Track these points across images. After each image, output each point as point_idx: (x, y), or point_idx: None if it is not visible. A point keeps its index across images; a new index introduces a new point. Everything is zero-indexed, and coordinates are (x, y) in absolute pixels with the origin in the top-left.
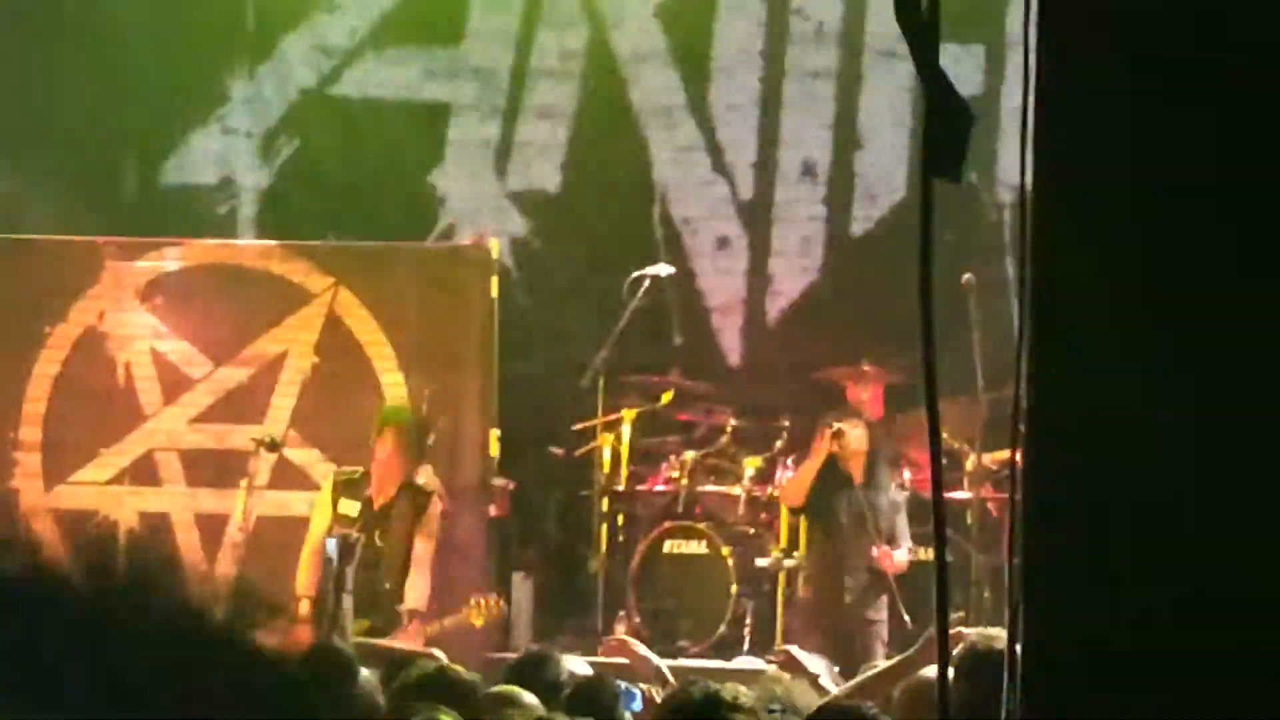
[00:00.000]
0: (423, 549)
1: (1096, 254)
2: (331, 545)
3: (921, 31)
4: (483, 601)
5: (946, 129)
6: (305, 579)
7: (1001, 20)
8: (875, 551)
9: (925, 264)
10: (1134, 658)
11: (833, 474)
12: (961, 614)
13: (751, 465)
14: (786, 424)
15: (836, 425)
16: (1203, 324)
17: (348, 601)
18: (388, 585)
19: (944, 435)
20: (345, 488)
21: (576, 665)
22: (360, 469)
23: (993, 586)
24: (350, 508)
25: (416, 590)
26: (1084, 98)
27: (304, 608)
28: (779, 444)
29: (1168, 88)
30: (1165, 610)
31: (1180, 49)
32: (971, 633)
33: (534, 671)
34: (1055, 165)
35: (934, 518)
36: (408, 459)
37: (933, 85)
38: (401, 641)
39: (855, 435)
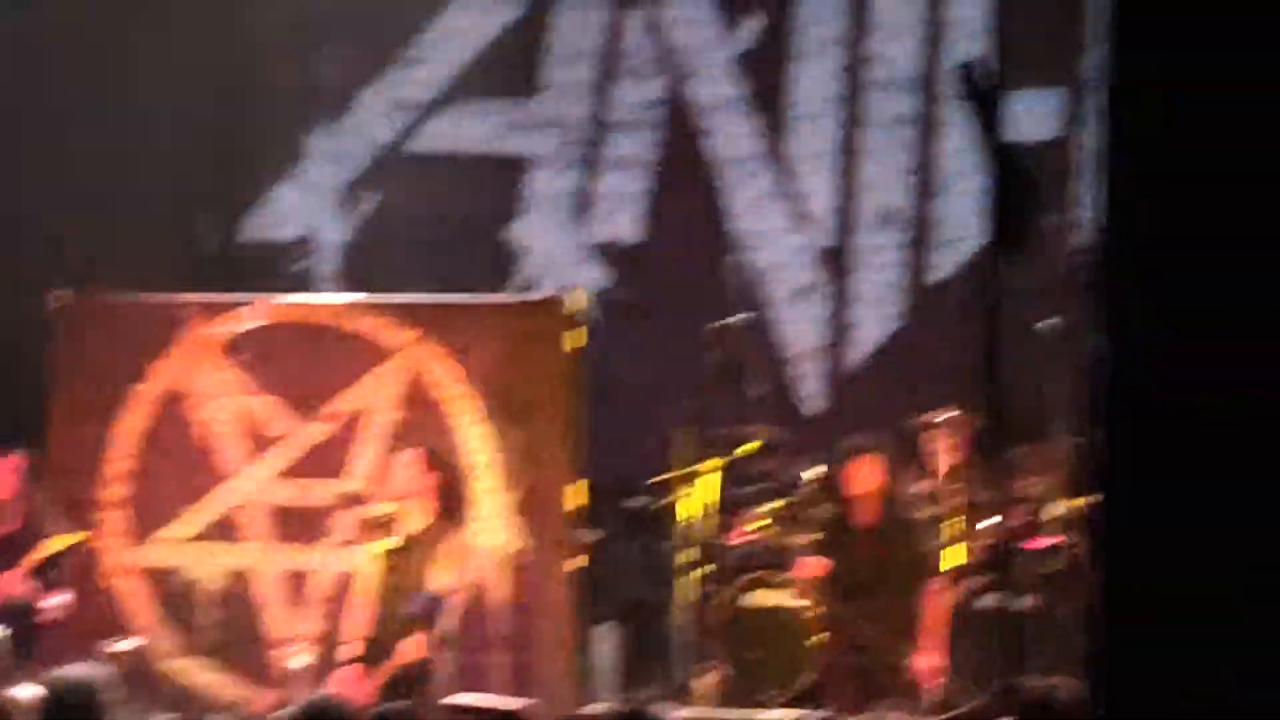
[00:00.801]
0: (445, 579)
1: (1167, 298)
2: (420, 602)
3: (985, 105)
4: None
5: (1012, 205)
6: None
7: (1078, 65)
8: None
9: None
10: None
11: (843, 517)
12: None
13: None
14: None
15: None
16: (1275, 367)
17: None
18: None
19: (1026, 482)
20: (380, 528)
21: (672, 716)
22: (392, 507)
23: (1074, 633)
24: (391, 543)
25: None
26: (1155, 140)
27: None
28: None
29: (1238, 128)
30: (1239, 655)
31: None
32: (1038, 682)
33: None
34: (1124, 209)
35: (1003, 566)
36: (447, 488)
37: (998, 160)
38: (497, 699)
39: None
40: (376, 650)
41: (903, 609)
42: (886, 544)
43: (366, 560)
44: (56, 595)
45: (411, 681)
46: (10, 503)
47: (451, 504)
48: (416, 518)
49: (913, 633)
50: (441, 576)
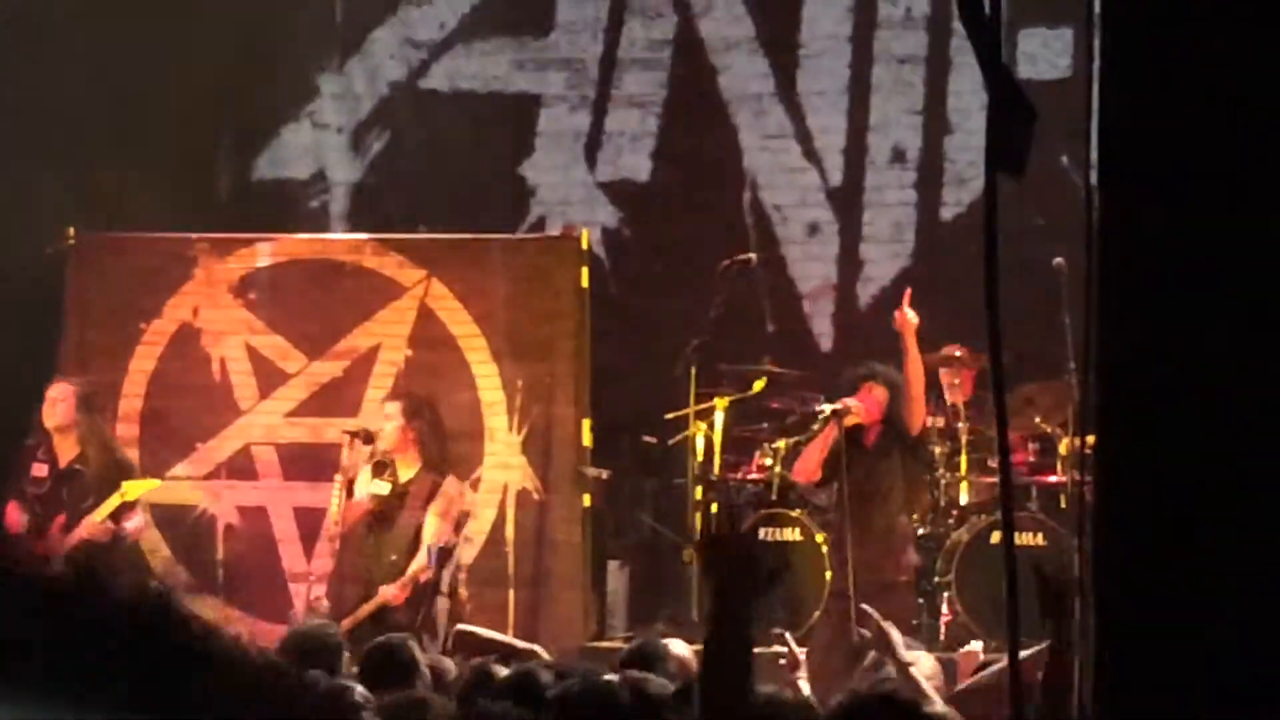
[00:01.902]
0: (435, 526)
1: (1167, 237)
2: (431, 551)
3: (985, 29)
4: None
5: (1009, 125)
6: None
7: (1088, 2)
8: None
9: (991, 264)
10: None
11: (849, 447)
12: None
13: None
14: None
15: (831, 408)
16: (1277, 304)
17: (442, 603)
18: (393, 558)
19: (1038, 419)
20: (376, 469)
21: (681, 650)
22: (390, 453)
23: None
24: (381, 488)
25: (418, 564)
26: (1154, 79)
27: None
28: None
29: (1239, 67)
30: (1240, 588)
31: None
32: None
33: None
34: (1124, 148)
35: (1001, 506)
36: (425, 443)
37: (995, 82)
38: (498, 633)
39: (860, 407)
40: (358, 592)
41: (891, 534)
42: (883, 469)
43: (356, 502)
44: (131, 519)
45: (396, 623)
46: (65, 431)
47: (432, 454)
48: (402, 467)
49: (904, 558)
50: (429, 526)
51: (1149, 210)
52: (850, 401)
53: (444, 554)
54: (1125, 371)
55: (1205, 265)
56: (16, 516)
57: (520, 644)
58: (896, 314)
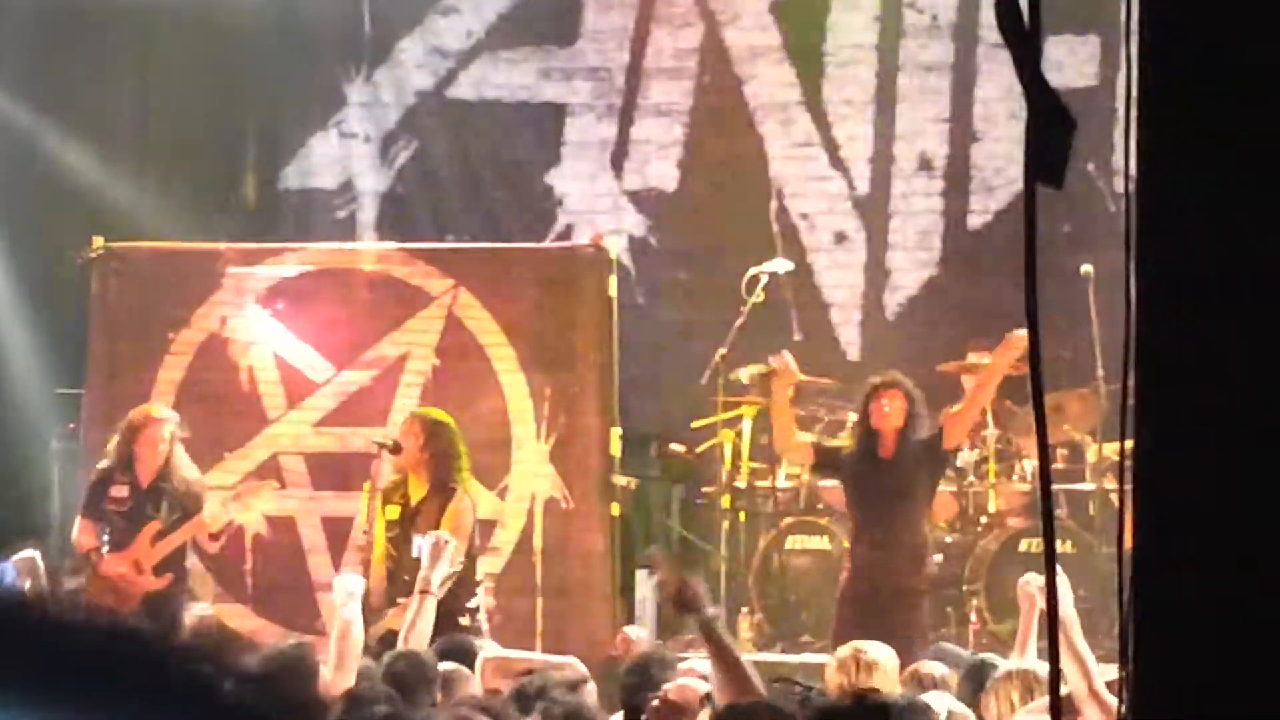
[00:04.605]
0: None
1: (1206, 243)
2: (422, 545)
3: (1024, 38)
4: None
5: (1049, 135)
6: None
7: (1115, 10)
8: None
9: (1030, 274)
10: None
11: (864, 448)
12: (1086, 606)
13: None
14: None
15: (772, 362)
16: None
17: (430, 604)
18: (406, 578)
19: (1066, 427)
20: (385, 495)
21: (696, 664)
22: (397, 477)
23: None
24: (392, 512)
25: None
26: (1190, 86)
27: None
28: None
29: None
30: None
31: None
32: None
33: (651, 672)
34: (1162, 155)
35: (1041, 509)
36: (439, 460)
37: (1035, 91)
38: (531, 652)
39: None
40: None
41: (909, 544)
42: (905, 476)
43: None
44: (219, 537)
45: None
46: (150, 454)
47: (442, 477)
48: (413, 487)
49: (923, 567)
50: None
51: (1188, 216)
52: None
53: (435, 550)
54: (1163, 377)
55: (1244, 271)
56: (90, 535)
57: (554, 659)
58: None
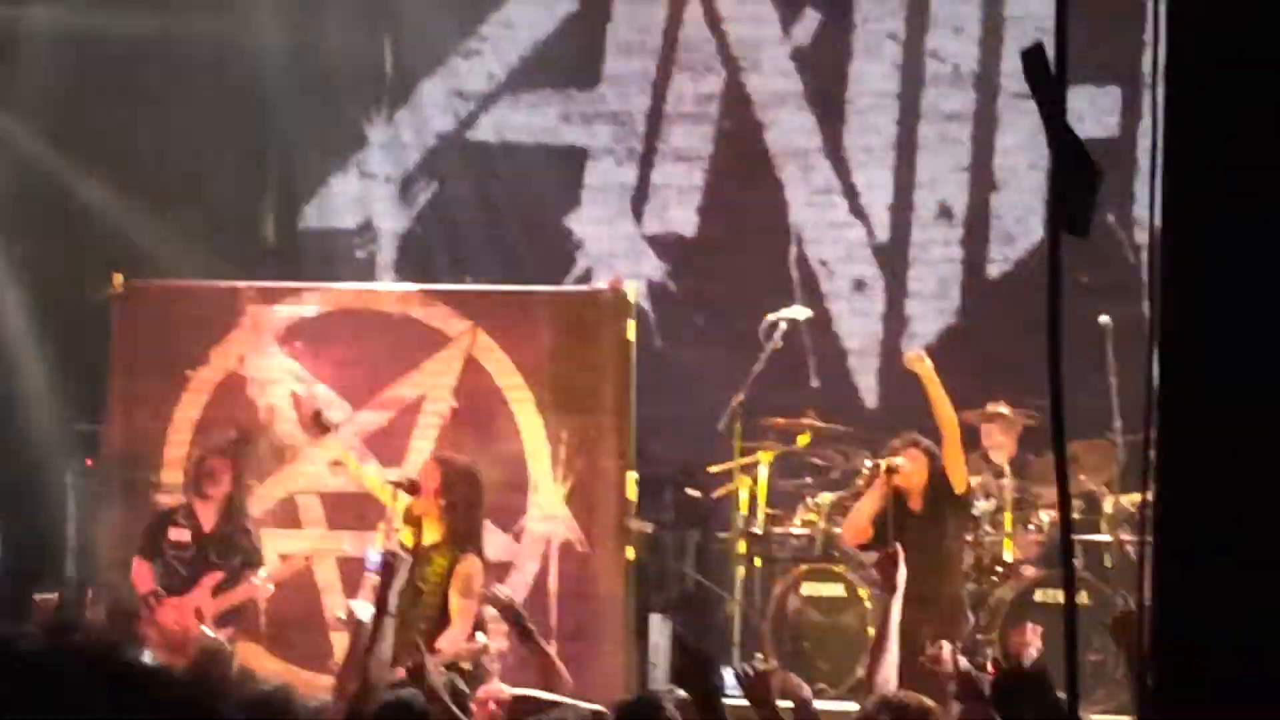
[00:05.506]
0: (460, 604)
1: (1228, 296)
2: (373, 558)
3: (1049, 88)
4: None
5: (1075, 186)
6: None
7: (1136, 61)
8: None
9: (1054, 322)
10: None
11: (897, 510)
12: (1100, 657)
13: None
14: None
15: (888, 461)
16: None
17: (388, 624)
18: (423, 626)
19: (1082, 478)
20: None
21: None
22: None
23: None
24: (408, 536)
25: (449, 641)
26: (1214, 138)
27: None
28: None
29: None
30: None
31: None
32: None
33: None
34: (1186, 207)
35: (1062, 559)
36: (454, 509)
37: (1061, 142)
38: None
39: (909, 467)
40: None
41: (947, 598)
42: (934, 533)
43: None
44: (267, 585)
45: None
46: (212, 499)
47: (458, 530)
48: (426, 530)
49: (956, 623)
50: (453, 604)
51: (1212, 267)
52: (899, 460)
53: (387, 567)
54: (1184, 429)
55: (1266, 322)
56: (146, 578)
57: (585, 705)
58: (906, 355)
